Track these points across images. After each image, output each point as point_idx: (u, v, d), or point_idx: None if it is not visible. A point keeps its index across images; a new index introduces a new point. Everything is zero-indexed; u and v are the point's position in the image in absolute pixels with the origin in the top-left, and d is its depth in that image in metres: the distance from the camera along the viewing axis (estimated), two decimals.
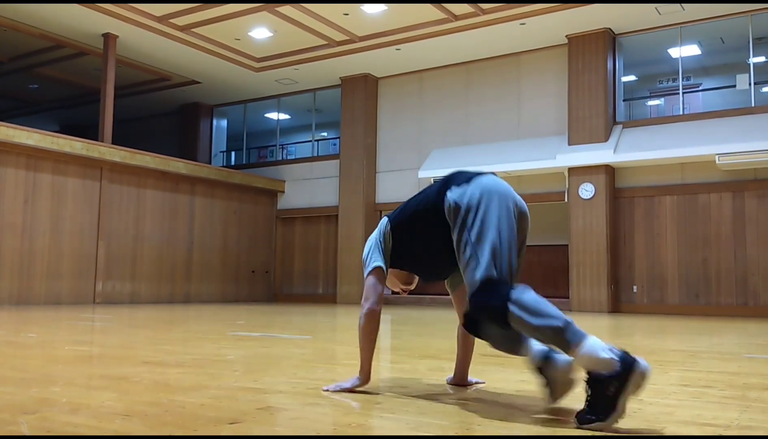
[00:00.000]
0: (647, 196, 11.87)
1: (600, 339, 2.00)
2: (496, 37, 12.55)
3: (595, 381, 1.93)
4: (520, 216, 2.43)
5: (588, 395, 1.95)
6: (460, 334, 2.76)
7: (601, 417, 1.90)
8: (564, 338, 2.02)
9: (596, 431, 1.91)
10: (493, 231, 2.27)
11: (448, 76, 14.12)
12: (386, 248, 2.60)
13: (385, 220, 2.68)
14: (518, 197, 2.46)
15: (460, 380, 2.80)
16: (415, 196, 2.65)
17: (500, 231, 2.28)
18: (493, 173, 2.49)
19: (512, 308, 2.10)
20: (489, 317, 2.21)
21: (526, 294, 2.14)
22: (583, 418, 1.95)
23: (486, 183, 2.39)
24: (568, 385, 2.26)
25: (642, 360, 1.90)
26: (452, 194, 2.38)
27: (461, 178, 2.45)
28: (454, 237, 2.36)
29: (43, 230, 11.59)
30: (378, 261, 2.56)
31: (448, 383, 2.85)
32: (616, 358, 1.91)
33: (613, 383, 1.89)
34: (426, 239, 2.53)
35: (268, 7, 11.50)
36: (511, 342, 2.34)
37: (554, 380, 2.27)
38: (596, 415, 1.91)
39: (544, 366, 2.28)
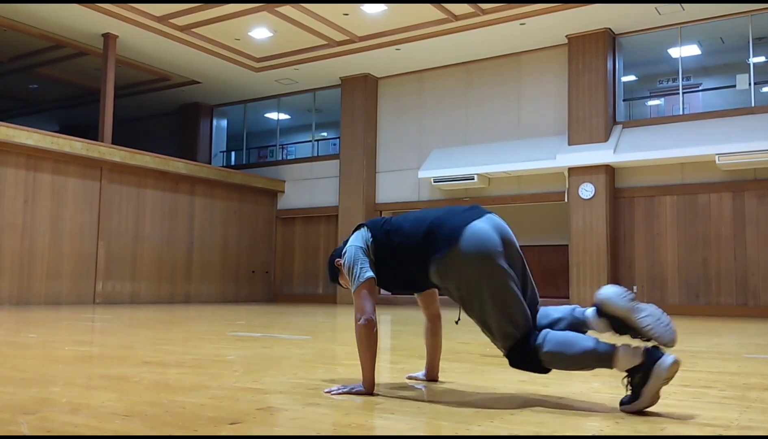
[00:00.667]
0: (647, 196, 11.87)
1: (624, 343, 2.25)
2: (496, 37, 12.54)
3: (629, 373, 2.22)
4: (507, 245, 2.47)
5: (627, 385, 2.24)
6: (427, 332, 2.90)
7: (628, 403, 2.20)
8: (601, 354, 2.26)
9: (629, 414, 2.18)
10: (494, 301, 2.38)
11: (448, 76, 14.12)
12: (369, 258, 2.60)
13: (366, 232, 2.65)
14: (501, 226, 2.51)
15: (431, 377, 2.91)
16: (398, 223, 2.63)
17: (500, 295, 2.38)
18: (474, 213, 2.50)
19: (544, 358, 2.33)
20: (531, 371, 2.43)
21: (549, 337, 2.33)
22: (622, 402, 2.23)
23: (472, 241, 2.40)
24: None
25: (668, 356, 2.15)
26: (440, 260, 2.44)
27: (445, 234, 2.45)
28: (454, 298, 2.50)
29: (43, 230, 11.59)
30: (369, 271, 2.55)
31: (419, 380, 2.93)
32: (640, 353, 2.19)
33: (639, 373, 2.18)
34: (402, 272, 2.62)
35: (268, 7, 11.50)
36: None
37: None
38: (629, 400, 2.21)
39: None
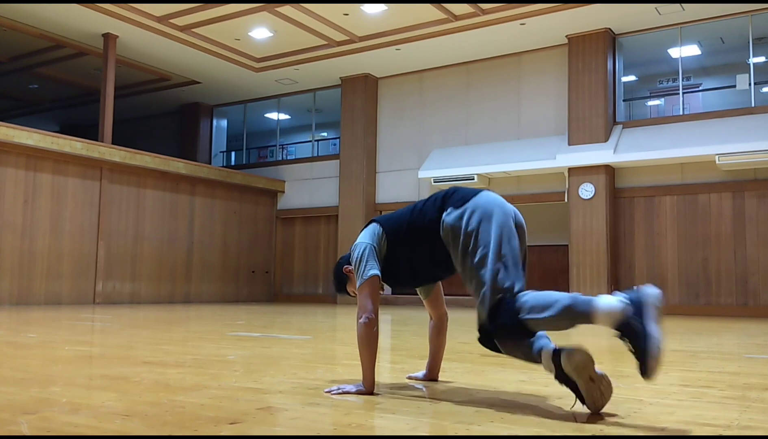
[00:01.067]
0: (647, 197, 11.87)
1: (607, 296, 2.11)
2: (496, 37, 12.54)
3: (624, 332, 2.03)
4: (518, 228, 2.49)
5: (631, 350, 2.03)
6: (433, 330, 2.92)
7: (644, 357, 1.98)
8: (579, 311, 2.11)
9: (656, 370, 2.00)
10: (493, 253, 2.32)
11: (448, 76, 14.12)
12: (380, 256, 2.58)
13: (377, 227, 2.63)
14: (515, 210, 2.53)
15: (431, 376, 2.93)
16: (411, 208, 2.65)
17: (500, 249, 2.33)
18: (490, 190, 2.56)
19: (523, 317, 2.20)
20: (510, 338, 2.28)
21: (527, 296, 2.23)
22: (642, 371, 2.00)
23: (482, 202, 2.43)
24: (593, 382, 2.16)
25: (646, 288, 2.06)
26: (448, 217, 2.44)
27: (457, 197, 2.49)
28: (455, 260, 2.44)
29: (43, 230, 11.59)
30: (375, 269, 2.53)
31: (419, 379, 2.93)
32: (628, 301, 2.05)
33: (636, 322, 2.01)
34: (420, 253, 2.58)
35: (268, 7, 11.50)
36: (524, 351, 2.36)
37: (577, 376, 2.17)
38: (643, 358, 1.99)
39: (560, 364, 2.18)
